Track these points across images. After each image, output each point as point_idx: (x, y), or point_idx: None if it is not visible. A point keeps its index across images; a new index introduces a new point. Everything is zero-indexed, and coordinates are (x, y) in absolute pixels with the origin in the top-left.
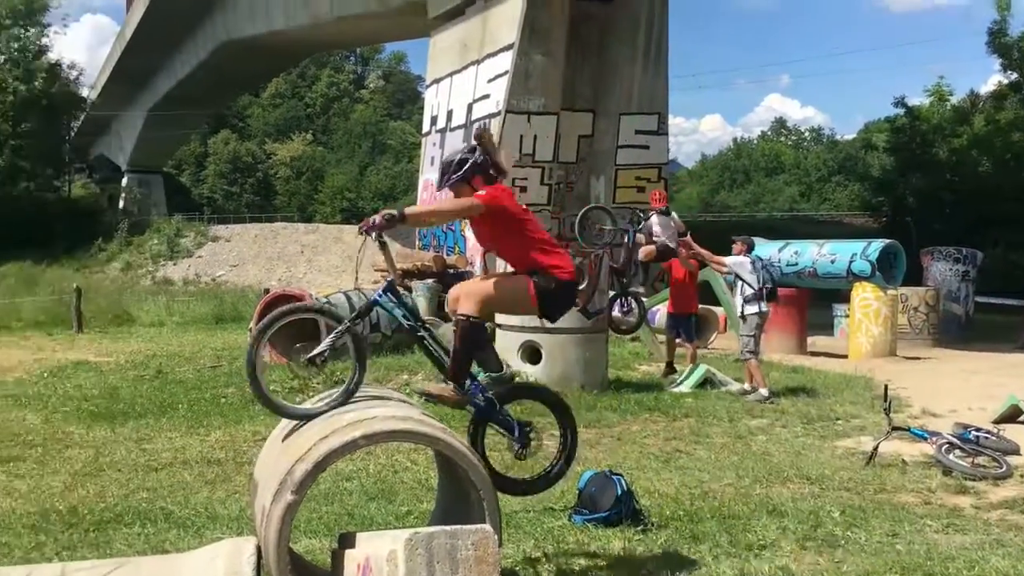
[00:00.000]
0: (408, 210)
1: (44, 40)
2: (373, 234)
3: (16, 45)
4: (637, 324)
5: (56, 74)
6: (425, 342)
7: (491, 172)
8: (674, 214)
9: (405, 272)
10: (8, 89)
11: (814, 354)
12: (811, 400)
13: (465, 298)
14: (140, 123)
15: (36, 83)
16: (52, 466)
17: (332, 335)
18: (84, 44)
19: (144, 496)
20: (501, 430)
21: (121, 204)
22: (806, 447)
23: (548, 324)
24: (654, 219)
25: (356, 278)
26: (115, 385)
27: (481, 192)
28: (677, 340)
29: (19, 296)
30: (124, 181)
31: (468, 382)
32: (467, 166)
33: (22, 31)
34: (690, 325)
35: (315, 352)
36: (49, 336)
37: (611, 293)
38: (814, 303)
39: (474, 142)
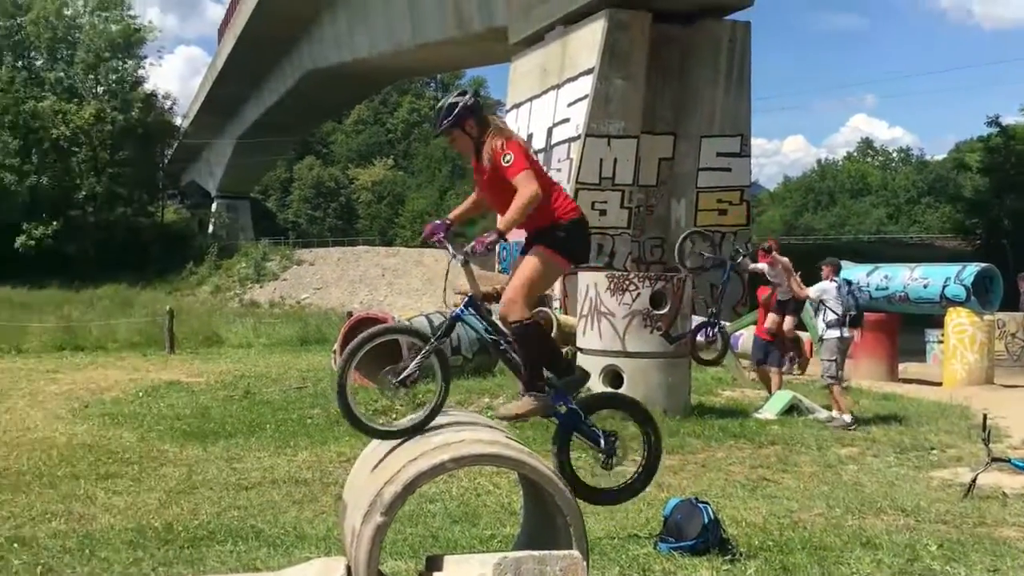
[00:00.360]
0: (502, 227)
1: (140, 72)
2: (459, 256)
3: (115, 77)
4: (720, 356)
5: (151, 104)
6: (507, 354)
7: (483, 115)
8: (780, 259)
9: (485, 295)
10: (107, 119)
11: (906, 381)
12: (904, 429)
13: (508, 306)
14: (229, 150)
15: (133, 113)
16: (148, 483)
17: (419, 355)
18: (177, 75)
19: (235, 514)
20: (586, 441)
21: (211, 229)
22: (900, 477)
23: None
24: (763, 267)
25: (444, 298)
26: (206, 405)
27: (512, 163)
28: (763, 366)
29: (115, 318)
30: (213, 206)
31: (550, 392)
32: (457, 110)
33: (120, 63)
34: (779, 351)
35: (405, 373)
36: (143, 357)
37: (696, 321)
38: (905, 328)
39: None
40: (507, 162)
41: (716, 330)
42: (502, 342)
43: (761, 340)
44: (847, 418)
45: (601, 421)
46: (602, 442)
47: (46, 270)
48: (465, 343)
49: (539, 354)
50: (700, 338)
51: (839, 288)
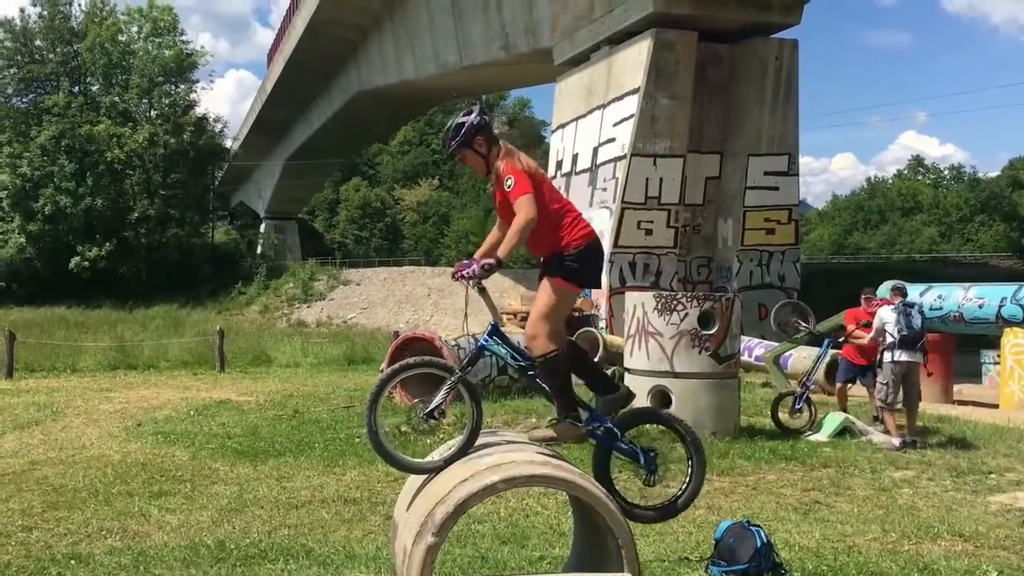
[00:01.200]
0: (500, 254)
1: (192, 96)
2: (471, 282)
3: (167, 101)
4: (808, 425)
5: (203, 127)
6: (537, 380)
7: (493, 132)
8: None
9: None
10: (160, 142)
11: (961, 403)
12: (960, 452)
13: (530, 341)
14: (278, 172)
15: (185, 136)
16: (200, 501)
17: (445, 387)
18: (228, 98)
19: (286, 533)
20: (625, 459)
21: (259, 249)
22: (957, 502)
23: (595, 290)
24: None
25: (465, 326)
26: (256, 424)
27: (513, 187)
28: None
29: (166, 337)
30: (262, 227)
31: (585, 414)
32: (465, 128)
33: (173, 88)
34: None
35: (431, 407)
36: (194, 376)
37: (744, 341)
38: (960, 349)
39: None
40: (508, 187)
41: (804, 401)
42: (530, 368)
43: (848, 361)
44: (895, 442)
45: (641, 438)
46: (641, 458)
47: (100, 290)
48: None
49: (566, 384)
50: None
51: (896, 310)
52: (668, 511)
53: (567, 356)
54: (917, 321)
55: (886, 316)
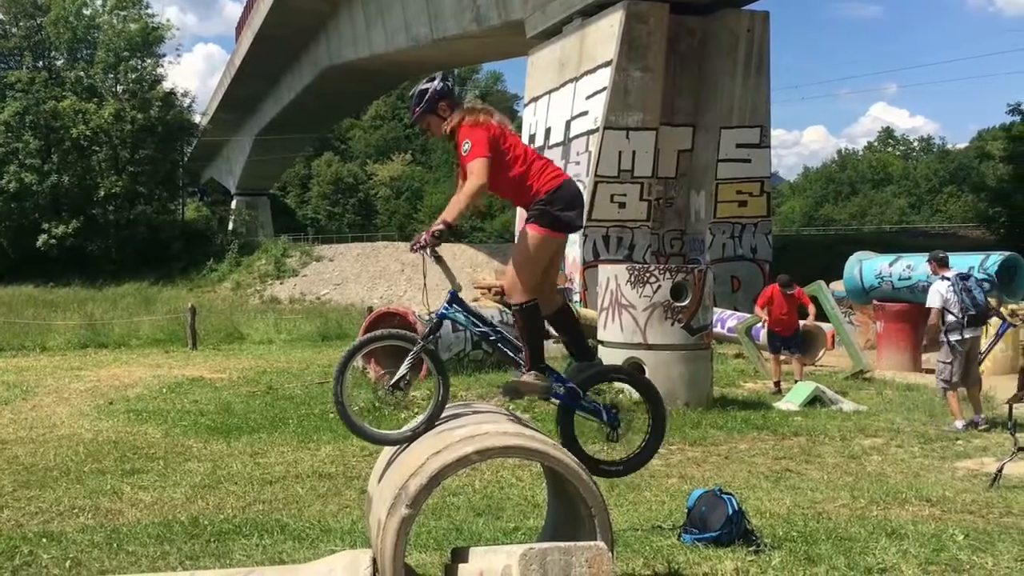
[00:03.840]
0: (447, 217)
1: (159, 70)
2: (427, 251)
3: (134, 76)
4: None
5: (170, 103)
6: (498, 344)
7: (456, 98)
8: None
9: (504, 290)
10: (126, 118)
11: (929, 371)
12: (928, 419)
13: (508, 290)
14: (248, 147)
15: (152, 111)
16: (173, 478)
17: (409, 357)
18: (196, 73)
19: (260, 508)
20: (589, 416)
21: (230, 226)
22: (924, 468)
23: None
24: None
25: (425, 299)
26: (229, 401)
27: (469, 150)
28: (782, 356)
29: (137, 315)
30: (233, 203)
31: (548, 374)
32: (428, 95)
33: (139, 62)
34: (796, 341)
35: (396, 378)
36: (166, 353)
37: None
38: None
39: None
40: (465, 150)
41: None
42: (491, 333)
43: (773, 333)
44: (959, 424)
45: (601, 396)
46: (604, 415)
47: (68, 268)
48: None
49: (537, 336)
50: None
51: (953, 287)
52: (628, 465)
53: (556, 316)
54: (980, 296)
55: (946, 294)
